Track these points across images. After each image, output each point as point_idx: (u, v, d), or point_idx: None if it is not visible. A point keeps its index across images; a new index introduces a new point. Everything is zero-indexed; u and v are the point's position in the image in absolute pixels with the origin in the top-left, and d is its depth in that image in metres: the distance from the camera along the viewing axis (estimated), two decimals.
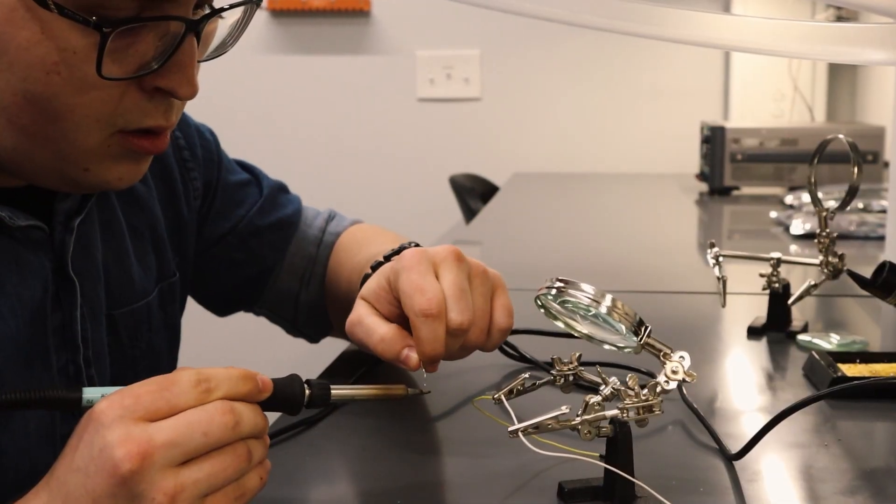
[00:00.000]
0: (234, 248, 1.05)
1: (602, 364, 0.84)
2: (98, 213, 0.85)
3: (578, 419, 0.63)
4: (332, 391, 0.67)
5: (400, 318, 0.78)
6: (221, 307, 1.11)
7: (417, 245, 0.86)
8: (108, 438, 0.54)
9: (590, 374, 0.71)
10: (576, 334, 0.68)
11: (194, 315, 1.13)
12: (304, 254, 1.08)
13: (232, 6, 0.73)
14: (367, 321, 0.79)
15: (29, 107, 0.67)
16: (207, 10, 0.72)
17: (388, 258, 0.85)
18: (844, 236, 1.68)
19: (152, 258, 0.93)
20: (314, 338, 1.13)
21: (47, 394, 0.61)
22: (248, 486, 0.59)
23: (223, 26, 0.75)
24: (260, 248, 1.06)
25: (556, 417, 0.64)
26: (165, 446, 0.55)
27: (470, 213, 2.50)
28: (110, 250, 0.86)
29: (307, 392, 0.66)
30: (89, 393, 0.61)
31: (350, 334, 0.82)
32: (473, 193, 2.64)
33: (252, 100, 3.08)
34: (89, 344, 0.81)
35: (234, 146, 1.21)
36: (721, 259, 1.06)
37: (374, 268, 0.85)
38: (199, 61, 0.72)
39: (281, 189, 1.11)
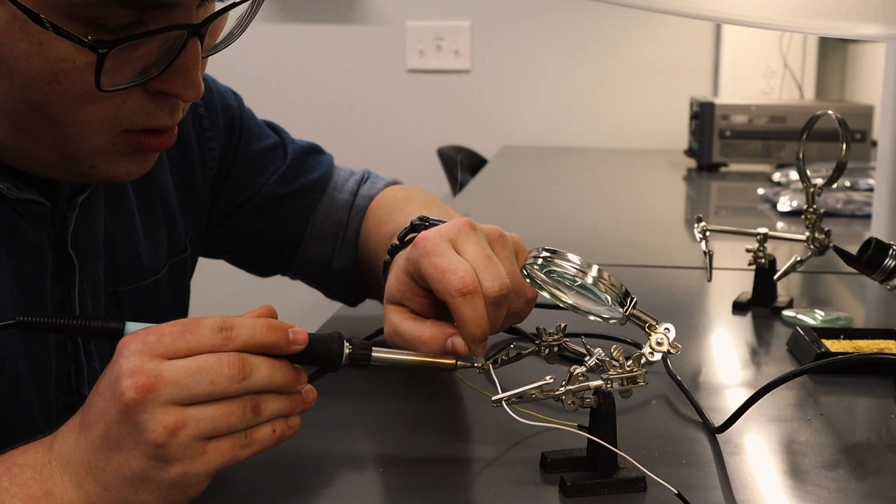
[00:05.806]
0: (253, 217, 1.03)
1: (587, 335, 0.84)
2: (106, 190, 0.84)
3: (563, 389, 0.64)
4: (374, 353, 0.65)
5: (432, 306, 0.75)
6: (254, 270, 1.11)
7: (427, 221, 0.83)
8: (123, 368, 0.57)
9: (575, 345, 0.71)
10: (561, 305, 0.68)
11: (204, 277, 1.11)
12: (335, 219, 1.06)
13: (235, 4, 0.70)
14: (401, 328, 0.75)
15: (32, 112, 0.66)
16: (215, 6, 0.69)
17: (402, 239, 0.83)
18: (830, 214, 1.68)
19: (164, 234, 0.91)
20: (351, 302, 1.11)
21: (92, 323, 0.63)
22: (256, 436, 0.60)
23: (231, 16, 0.72)
24: (282, 215, 1.04)
25: (540, 387, 0.64)
26: (170, 384, 0.57)
27: (458, 186, 2.49)
28: (117, 227, 0.85)
29: (346, 351, 0.64)
30: (131, 326, 0.62)
31: (391, 344, 0.78)
32: (462, 166, 2.63)
33: (239, 68, 3.03)
34: None
35: None
36: (708, 234, 1.06)
37: (391, 252, 0.83)
38: (205, 55, 0.70)
39: (311, 151, 1.08)
